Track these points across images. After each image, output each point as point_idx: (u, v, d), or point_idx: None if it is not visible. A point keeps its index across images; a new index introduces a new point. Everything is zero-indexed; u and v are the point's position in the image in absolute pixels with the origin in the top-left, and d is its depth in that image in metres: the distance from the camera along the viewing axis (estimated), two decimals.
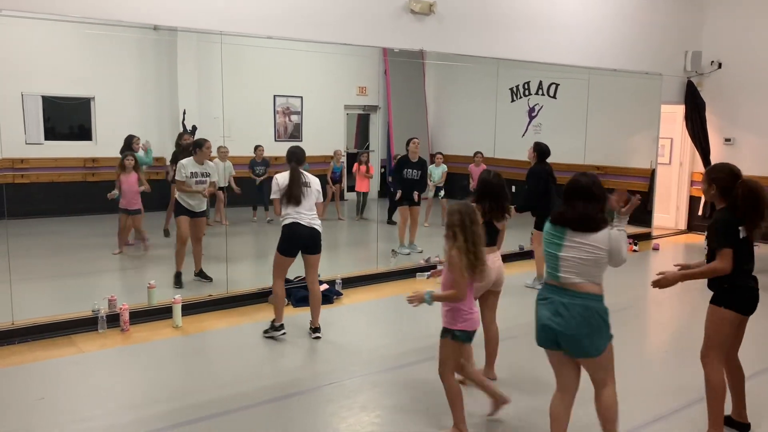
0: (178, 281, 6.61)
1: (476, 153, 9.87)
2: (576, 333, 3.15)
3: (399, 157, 8.63)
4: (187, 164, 6.56)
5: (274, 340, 5.26)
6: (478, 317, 3.71)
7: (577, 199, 3.23)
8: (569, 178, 3.36)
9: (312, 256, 5.34)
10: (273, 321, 5.34)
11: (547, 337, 3.25)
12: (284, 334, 5.28)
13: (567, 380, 3.30)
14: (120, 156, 8.03)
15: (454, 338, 3.59)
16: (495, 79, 9.60)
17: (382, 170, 13.04)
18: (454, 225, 3.52)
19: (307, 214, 5.22)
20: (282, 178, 5.22)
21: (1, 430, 3.71)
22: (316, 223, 5.29)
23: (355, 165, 10.49)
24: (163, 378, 4.55)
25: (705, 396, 3.68)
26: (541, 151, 7.21)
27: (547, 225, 3.33)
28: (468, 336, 3.63)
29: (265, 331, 5.33)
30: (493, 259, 4.38)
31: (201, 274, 6.83)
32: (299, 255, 5.33)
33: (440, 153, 10.29)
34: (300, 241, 5.23)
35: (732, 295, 3.57)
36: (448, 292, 3.55)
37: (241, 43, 6.55)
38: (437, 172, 9.93)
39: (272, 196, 5.25)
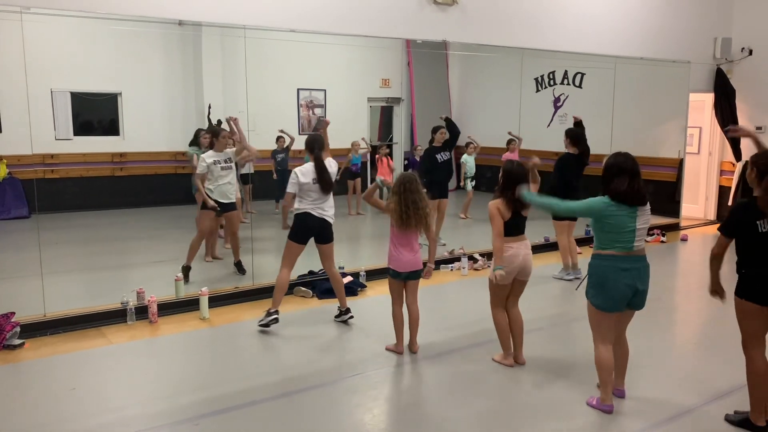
0: (186, 275, 6.40)
1: (510, 141, 9.90)
2: (647, 288, 3.83)
3: (426, 149, 8.48)
4: (209, 155, 6.60)
5: (299, 331, 5.28)
6: (406, 261, 4.65)
7: (632, 178, 3.71)
8: (607, 161, 3.83)
9: (325, 246, 5.39)
10: (269, 308, 5.33)
11: (624, 301, 3.78)
12: (275, 321, 5.27)
13: (612, 334, 3.89)
14: (190, 150, 7.66)
15: (389, 274, 4.75)
16: (519, 69, 9.51)
17: (405, 162, 13.01)
18: (394, 191, 4.63)
19: (319, 205, 5.27)
20: (303, 172, 5.22)
21: (35, 420, 3.79)
22: (328, 214, 5.33)
23: (377, 157, 10.49)
24: (191, 369, 4.61)
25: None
26: (572, 136, 7.20)
27: (611, 205, 3.71)
28: (396, 273, 4.70)
29: (260, 320, 5.31)
30: (518, 248, 4.45)
31: (238, 266, 6.87)
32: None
33: (472, 142, 10.25)
34: (311, 231, 5.30)
35: (744, 284, 3.56)
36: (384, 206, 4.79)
37: (265, 36, 6.57)
38: (471, 161, 9.87)
39: (289, 189, 5.24)
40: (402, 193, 4.59)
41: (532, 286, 5.99)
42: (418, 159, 9.61)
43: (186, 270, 6.48)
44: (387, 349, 4.88)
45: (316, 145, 5.30)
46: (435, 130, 8.35)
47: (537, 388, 4.24)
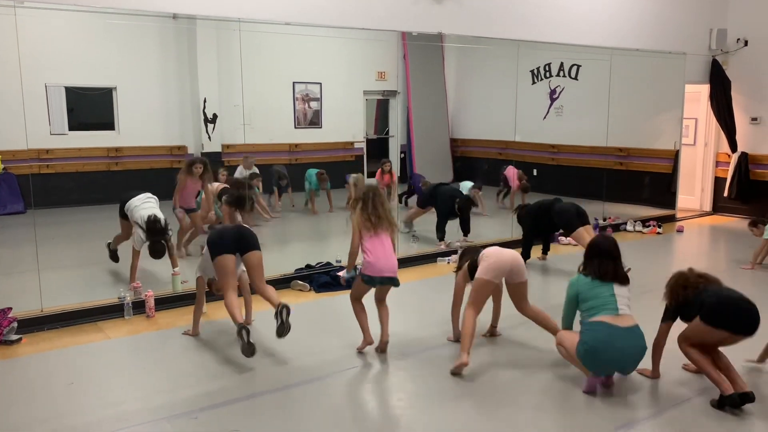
0: (113, 256, 6.76)
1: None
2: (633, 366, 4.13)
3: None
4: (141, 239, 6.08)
5: (297, 325, 5.26)
6: (381, 267, 4.48)
7: (613, 260, 4.06)
8: (592, 241, 4.32)
9: (252, 254, 4.72)
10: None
11: (612, 366, 4.05)
12: (246, 331, 4.35)
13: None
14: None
15: (362, 278, 4.56)
16: (515, 61, 9.49)
17: (402, 155, 13.01)
18: (357, 198, 4.65)
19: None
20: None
21: (33, 415, 3.80)
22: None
23: (378, 172, 10.33)
24: (189, 363, 4.61)
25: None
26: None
27: (588, 281, 4.04)
28: (370, 279, 4.52)
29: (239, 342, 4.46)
30: (499, 254, 4.56)
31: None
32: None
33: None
34: (229, 240, 4.72)
35: (709, 311, 3.89)
36: (350, 251, 4.71)
37: (260, 29, 6.55)
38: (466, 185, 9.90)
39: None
40: (369, 200, 4.58)
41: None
42: (421, 186, 9.52)
43: (112, 252, 6.74)
44: (358, 350, 4.71)
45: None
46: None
47: (533, 378, 4.26)
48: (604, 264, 4.03)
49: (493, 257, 4.52)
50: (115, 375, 4.40)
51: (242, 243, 4.74)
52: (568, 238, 8.18)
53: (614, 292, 3.96)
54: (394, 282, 4.60)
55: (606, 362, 3.91)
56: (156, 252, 5.84)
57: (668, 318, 4.14)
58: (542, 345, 4.82)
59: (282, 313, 4.43)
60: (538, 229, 7.34)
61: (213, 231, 4.87)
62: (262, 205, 9.25)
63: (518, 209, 7.65)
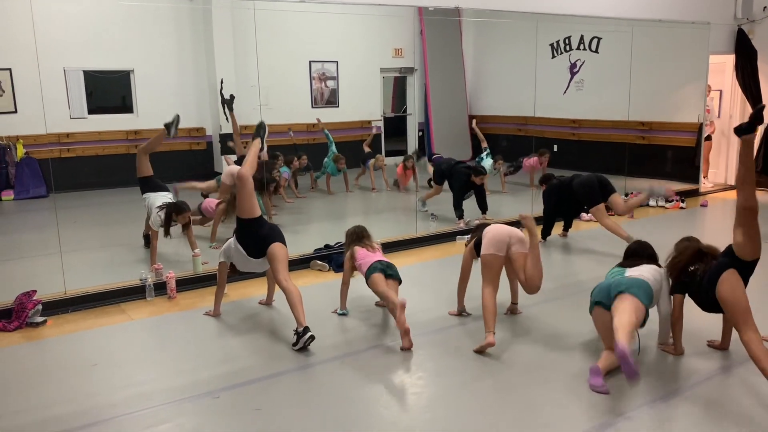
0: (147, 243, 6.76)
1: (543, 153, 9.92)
2: (634, 284, 4.00)
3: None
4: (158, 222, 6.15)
5: (316, 305, 5.29)
6: (369, 259, 4.85)
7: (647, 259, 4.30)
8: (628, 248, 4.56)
9: (275, 246, 4.73)
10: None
11: (609, 289, 4.05)
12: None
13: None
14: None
15: (366, 279, 4.81)
16: (534, 34, 9.34)
17: (420, 133, 12.94)
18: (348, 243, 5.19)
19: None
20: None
21: (59, 395, 3.86)
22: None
23: (400, 167, 10.10)
24: (210, 343, 4.65)
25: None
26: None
27: (617, 269, 4.29)
28: (372, 269, 4.75)
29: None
30: (497, 230, 4.60)
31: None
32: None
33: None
34: (258, 238, 4.79)
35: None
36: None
37: (275, 8, 6.50)
38: (488, 164, 9.83)
39: (222, 259, 5.04)
40: (353, 242, 5.10)
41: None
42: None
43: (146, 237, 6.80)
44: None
45: None
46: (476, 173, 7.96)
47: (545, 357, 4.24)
48: (636, 261, 4.27)
49: (491, 232, 4.58)
50: (138, 356, 4.45)
51: (269, 236, 4.80)
52: (589, 215, 8.09)
53: (627, 273, 4.10)
54: (384, 265, 4.79)
55: (607, 285, 4.00)
56: (178, 207, 6.03)
57: (677, 291, 4.13)
58: (564, 322, 4.79)
59: (307, 341, 4.35)
60: (561, 209, 7.25)
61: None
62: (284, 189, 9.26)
63: (543, 180, 7.55)
